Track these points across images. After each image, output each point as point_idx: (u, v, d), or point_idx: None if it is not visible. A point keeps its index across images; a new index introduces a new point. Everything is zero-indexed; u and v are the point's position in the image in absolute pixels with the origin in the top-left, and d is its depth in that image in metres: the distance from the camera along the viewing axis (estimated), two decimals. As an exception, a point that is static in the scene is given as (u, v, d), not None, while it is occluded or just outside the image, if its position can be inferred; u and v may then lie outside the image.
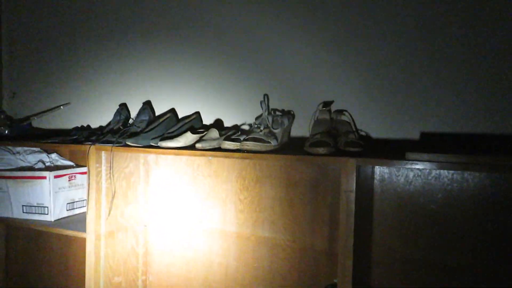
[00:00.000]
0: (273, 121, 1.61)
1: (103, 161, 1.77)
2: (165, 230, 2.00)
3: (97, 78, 2.16)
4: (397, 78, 1.53)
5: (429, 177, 1.49)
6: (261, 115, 1.66)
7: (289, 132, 1.69)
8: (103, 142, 1.73)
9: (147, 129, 1.78)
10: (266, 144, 1.48)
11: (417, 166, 1.21)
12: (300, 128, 1.68)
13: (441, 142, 1.46)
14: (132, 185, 1.94)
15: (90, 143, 1.75)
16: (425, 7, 1.47)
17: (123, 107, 2.01)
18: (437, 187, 1.48)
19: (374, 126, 1.58)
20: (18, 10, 2.36)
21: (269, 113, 1.64)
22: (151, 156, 1.99)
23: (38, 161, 2.08)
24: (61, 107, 2.23)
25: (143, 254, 2.01)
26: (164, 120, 1.82)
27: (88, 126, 2.19)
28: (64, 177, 1.99)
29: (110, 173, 1.81)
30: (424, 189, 1.50)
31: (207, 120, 1.88)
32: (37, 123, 2.30)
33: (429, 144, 1.48)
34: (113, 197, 1.80)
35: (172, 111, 1.95)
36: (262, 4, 1.75)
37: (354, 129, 1.58)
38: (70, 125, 2.21)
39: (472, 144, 1.42)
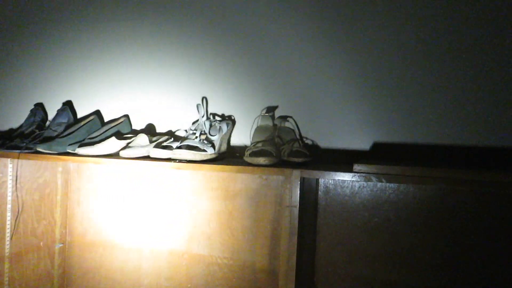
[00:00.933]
0: (210, 127, 1.45)
1: (9, 170, 1.51)
2: (86, 248, 1.76)
3: (9, 73, 1.87)
4: (346, 83, 1.43)
5: (375, 189, 1.40)
6: (197, 120, 1.49)
7: (229, 140, 1.53)
8: (9, 148, 1.46)
9: (64, 134, 1.54)
10: (201, 152, 1.32)
11: (364, 180, 1.11)
12: (241, 135, 1.54)
13: (390, 153, 1.38)
14: (46, 197, 1.68)
15: (-7, 148, 1.48)
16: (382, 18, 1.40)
17: (39, 107, 1.74)
18: (383, 199, 1.40)
19: (320, 134, 1.47)
20: None
21: (207, 118, 1.48)
22: (72, 164, 1.75)
23: None
24: (-36, 106, 1.91)
25: (59, 277, 1.75)
26: (86, 123, 1.60)
27: (-3, 128, 1.89)
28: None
29: (16, 183, 1.54)
30: (369, 201, 1.41)
31: (137, 125, 1.68)
32: None
33: (377, 155, 1.39)
34: (19, 212, 1.54)
35: (97, 113, 1.72)
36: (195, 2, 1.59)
37: (298, 137, 1.46)
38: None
39: (423, 154, 1.36)
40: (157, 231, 1.66)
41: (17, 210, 1.54)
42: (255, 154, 1.26)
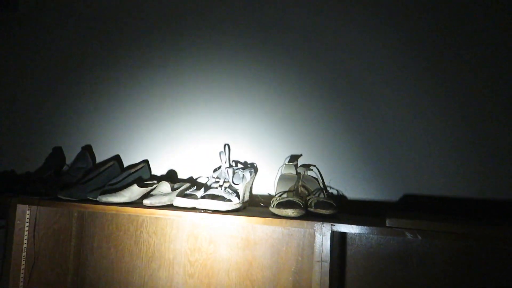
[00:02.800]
0: (233, 174, 1.43)
1: (27, 216, 1.48)
2: (98, 298, 1.69)
3: (28, 116, 1.87)
4: (367, 133, 1.44)
5: (401, 240, 1.37)
6: (219, 168, 1.48)
7: (251, 188, 1.52)
8: (29, 194, 1.44)
9: (84, 179, 1.52)
10: (226, 202, 1.29)
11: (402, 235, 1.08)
12: (263, 183, 1.52)
13: (413, 205, 1.36)
14: (61, 244, 1.64)
15: (12, 193, 1.46)
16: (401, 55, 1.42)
17: (57, 151, 1.73)
18: (411, 251, 1.36)
19: (343, 184, 1.45)
20: None
21: (229, 166, 1.47)
22: (87, 210, 1.72)
23: None
24: (-20, 148, 1.90)
25: (69, 328, 1.68)
26: (106, 169, 1.58)
27: (13, 171, 1.87)
28: (-25, 233, 1.64)
29: (34, 230, 1.51)
30: (395, 253, 1.37)
31: (158, 170, 1.66)
32: None
33: (402, 206, 1.37)
34: (34, 262, 1.49)
35: (116, 158, 1.71)
36: (209, 43, 1.62)
37: (322, 186, 1.44)
38: (-9, 170, 1.89)
39: (447, 206, 1.34)
40: (172, 280, 1.61)
41: (32, 258, 1.50)
42: (282, 205, 1.24)
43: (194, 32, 1.66)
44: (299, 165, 1.49)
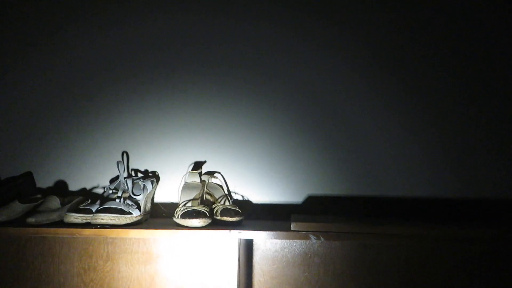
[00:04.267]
0: (133, 185, 1.34)
1: None
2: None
3: None
4: (273, 135, 1.46)
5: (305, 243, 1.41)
6: (117, 178, 1.37)
7: (153, 198, 1.43)
8: None
9: (-52, 198, 1.29)
10: (126, 216, 1.20)
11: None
12: (166, 192, 1.45)
13: (318, 205, 1.42)
14: None
15: None
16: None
17: None
18: (313, 252, 1.41)
19: (249, 189, 1.45)
20: None
21: (128, 175, 1.37)
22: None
23: None
24: None
25: None
26: (-22, 184, 1.36)
27: None
28: None
29: None
30: (299, 256, 1.41)
31: (44, 183, 1.48)
32: None
33: (307, 208, 1.42)
34: None
35: (-9, 171, 1.48)
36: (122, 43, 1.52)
37: (227, 193, 1.42)
38: None
39: (353, 206, 1.41)
40: (64, 306, 1.44)
41: None
42: (187, 215, 1.19)
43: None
44: (203, 172, 1.45)
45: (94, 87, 1.50)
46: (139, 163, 1.47)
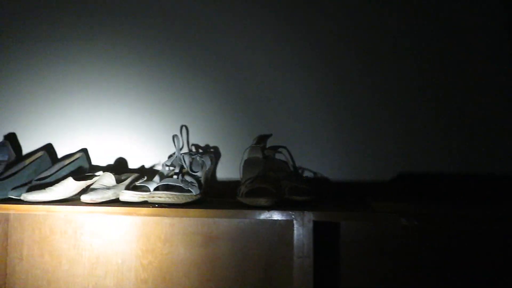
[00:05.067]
0: (192, 161, 1.22)
1: None
2: (31, 315, 1.42)
3: None
4: (341, 106, 1.28)
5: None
6: (174, 154, 1.26)
7: (213, 175, 1.31)
8: None
9: (5, 175, 1.24)
10: (185, 194, 1.08)
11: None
12: (226, 169, 1.32)
13: (394, 184, 1.23)
14: (-19, 255, 1.34)
15: None
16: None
17: (-28, 142, 1.42)
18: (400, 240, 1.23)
19: (313, 165, 1.29)
20: None
21: (189, 151, 1.25)
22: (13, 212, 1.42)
23: None
24: None
25: None
26: (33, 161, 1.30)
27: None
28: None
29: None
30: (391, 243, 1.24)
31: (100, 159, 1.41)
32: None
33: (379, 188, 1.23)
34: None
35: (47, 148, 1.43)
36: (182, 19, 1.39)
37: (292, 169, 1.27)
38: None
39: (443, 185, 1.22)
40: (123, 289, 1.37)
41: None
42: (253, 193, 1.05)
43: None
44: (266, 146, 1.31)
45: (151, 60, 1.39)
46: (199, 138, 1.35)
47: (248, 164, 1.22)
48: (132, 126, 1.39)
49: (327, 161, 1.27)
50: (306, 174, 1.28)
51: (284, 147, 1.28)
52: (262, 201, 1.01)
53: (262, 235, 1.29)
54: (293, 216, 0.97)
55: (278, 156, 1.29)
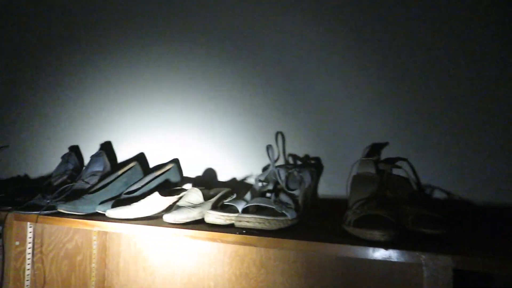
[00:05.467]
0: (288, 176, 1.02)
1: (29, 235, 1.17)
2: (126, 332, 1.36)
3: (44, 114, 1.59)
4: (483, 102, 0.95)
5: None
6: (268, 167, 1.08)
7: (314, 193, 1.09)
8: (26, 208, 1.13)
9: (96, 187, 1.19)
10: (278, 218, 0.88)
11: None
12: (330, 185, 1.09)
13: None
14: (78, 267, 1.32)
15: (10, 207, 1.15)
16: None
17: (72, 152, 1.42)
18: None
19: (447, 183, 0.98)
20: None
21: (286, 163, 1.06)
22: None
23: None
24: (-3, 151, 1.66)
25: None
26: (124, 172, 1.23)
27: (26, 176, 1.60)
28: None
29: (40, 252, 1.20)
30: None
31: (191, 172, 1.29)
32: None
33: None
34: (40, 291, 1.19)
35: (139, 158, 1.36)
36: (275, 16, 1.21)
37: (416, 188, 0.99)
38: (8, 174, 1.63)
39: None
40: (215, 317, 1.23)
41: (40, 286, 1.19)
42: (364, 222, 0.80)
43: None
44: (381, 159, 1.04)
45: (243, 61, 1.23)
46: (298, 147, 1.14)
47: (357, 182, 0.97)
48: (224, 133, 1.24)
49: (465, 176, 0.96)
50: (436, 195, 0.98)
51: (405, 159, 1.01)
52: (377, 234, 0.76)
53: (377, 276, 1.03)
54: (422, 260, 0.70)
55: (396, 171, 1.02)
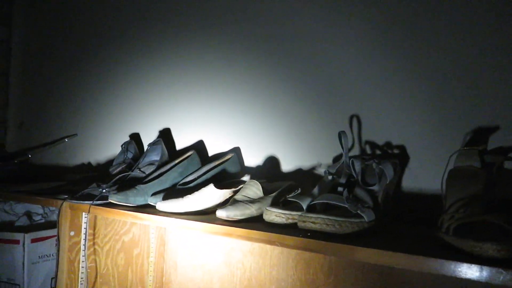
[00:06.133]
0: (365, 169, 0.84)
1: (84, 226, 1.12)
2: (184, 333, 1.28)
3: (107, 103, 1.55)
4: None
5: None
6: (341, 157, 0.90)
7: (397, 189, 0.90)
8: (80, 198, 1.07)
9: (150, 177, 1.10)
10: (351, 220, 0.71)
11: None
12: (418, 178, 0.89)
13: None
14: (135, 261, 1.26)
15: (65, 196, 1.11)
16: None
17: (132, 141, 1.36)
18: None
19: None
20: (28, 39, 1.89)
21: (361, 154, 0.88)
22: (167, 216, 1.31)
23: (23, 215, 1.50)
24: (66, 139, 1.66)
25: None
26: (180, 162, 1.13)
27: (89, 164, 1.58)
28: (49, 240, 1.38)
29: (95, 243, 1.15)
30: None
31: (252, 159, 1.16)
32: (38, 158, 1.75)
33: None
34: (94, 284, 1.13)
35: (198, 146, 1.26)
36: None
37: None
38: (76, 161, 1.64)
39: None
40: (277, 326, 1.09)
41: (93, 278, 1.14)
42: (468, 230, 0.60)
43: None
44: (488, 148, 0.82)
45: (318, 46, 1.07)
46: (376, 132, 0.95)
47: (456, 178, 0.76)
48: (288, 118, 1.08)
49: None
50: None
51: (522, 150, 0.77)
52: (491, 248, 0.56)
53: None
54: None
55: (509, 164, 0.79)
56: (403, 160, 0.89)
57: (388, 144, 0.92)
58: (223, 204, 0.92)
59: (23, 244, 1.31)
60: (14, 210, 1.55)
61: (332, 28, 1.03)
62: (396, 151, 0.91)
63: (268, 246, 1.13)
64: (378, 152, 0.93)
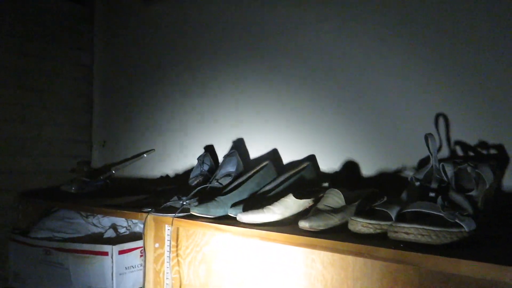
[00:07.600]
0: (459, 174, 0.77)
1: (167, 238, 1.15)
2: None
3: (183, 117, 1.60)
4: None
5: None
6: (429, 160, 0.84)
7: (495, 194, 0.81)
8: (163, 210, 1.11)
9: (228, 188, 1.11)
10: (449, 230, 0.65)
11: None
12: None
13: None
14: (215, 272, 1.27)
15: (148, 210, 1.15)
16: None
17: (207, 153, 1.38)
18: None
19: None
20: (108, 64, 2.03)
21: (451, 156, 0.81)
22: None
23: (110, 227, 1.59)
24: (145, 155, 1.74)
25: None
26: (255, 172, 1.13)
27: (167, 177, 1.64)
28: (134, 252, 1.44)
29: (178, 255, 1.17)
30: None
31: (330, 165, 1.12)
32: (120, 173, 1.85)
33: None
34: (179, 296, 1.16)
35: (273, 155, 1.25)
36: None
37: None
38: (155, 174, 1.71)
39: None
40: None
41: (177, 290, 1.17)
42: None
43: None
44: None
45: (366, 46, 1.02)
46: (467, 132, 0.87)
47: None
48: (365, 119, 1.04)
49: None
50: None
51: None
52: None
53: None
54: None
55: None
56: (503, 160, 0.81)
57: (483, 144, 0.83)
58: (303, 214, 0.89)
59: (112, 255, 1.38)
60: (101, 223, 1.65)
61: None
62: (492, 151, 0.83)
63: (350, 258, 1.08)
64: (471, 153, 0.85)
